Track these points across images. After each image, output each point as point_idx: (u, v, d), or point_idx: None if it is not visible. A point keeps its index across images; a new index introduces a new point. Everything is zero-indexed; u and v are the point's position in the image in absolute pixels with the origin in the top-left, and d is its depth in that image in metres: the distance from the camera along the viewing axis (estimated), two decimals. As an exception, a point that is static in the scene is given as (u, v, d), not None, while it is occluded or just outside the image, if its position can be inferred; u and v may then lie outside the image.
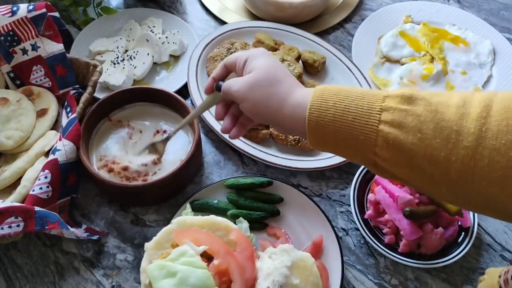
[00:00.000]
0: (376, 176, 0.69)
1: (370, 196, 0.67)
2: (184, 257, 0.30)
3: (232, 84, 0.51)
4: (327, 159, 0.73)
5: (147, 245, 0.32)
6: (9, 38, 0.72)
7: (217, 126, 0.75)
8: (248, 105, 0.49)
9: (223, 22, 0.94)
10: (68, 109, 0.70)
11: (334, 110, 0.43)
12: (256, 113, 0.50)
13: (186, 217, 0.34)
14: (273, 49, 0.85)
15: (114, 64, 0.82)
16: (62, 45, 0.72)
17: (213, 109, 0.78)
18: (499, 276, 0.56)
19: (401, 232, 0.63)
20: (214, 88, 0.54)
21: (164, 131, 0.72)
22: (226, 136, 0.74)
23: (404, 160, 0.40)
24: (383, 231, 0.66)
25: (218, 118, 0.56)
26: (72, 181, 0.66)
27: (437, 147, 0.38)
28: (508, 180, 0.35)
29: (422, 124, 0.39)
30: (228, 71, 0.56)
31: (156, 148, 0.66)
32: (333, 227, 0.65)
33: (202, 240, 0.32)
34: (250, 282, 0.30)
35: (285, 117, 0.47)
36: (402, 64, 0.87)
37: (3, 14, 0.71)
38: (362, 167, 0.71)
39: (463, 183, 0.37)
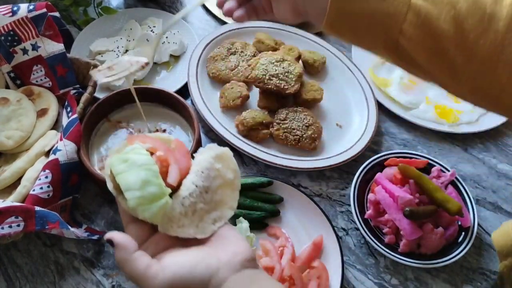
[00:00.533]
0: (376, 176, 0.69)
1: (370, 196, 0.67)
2: (134, 151, 0.38)
3: None
4: (327, 159, 0.73)
5: (111, 151, 0.40)
6: (9, 38, 0.72)
7: (217, 126, 0.75)
8: None
9: (223, 22, 0.94)
10: (69, 109, 0.70)
11: None
12: None
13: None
14: (274, 49, 0.85)
15: (114, 64, 0.82)
16: (62, 45, 0.72)
17: (210, 100, 0.78)
18: None
19: (401, 232, 0.63)
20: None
21: (164, 130, 0.72)
22: (226, 136, 0.74)
23: (430, 41, 0.38)
24: (383, 231, 0.66)
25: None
26: (74, 181, 0.66)
27: (467, 28, 0.37)
28: None
29: (456, 2, 0.37)
30: None
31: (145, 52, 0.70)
32: (333, 227, 0.65)
33: (148, 141, 0.40)
34: (185, 170, 0.39)
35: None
36: (402, 64, 0.87)
37: (3, 14, 0.71)
38: (363, 167, 0.71)
39: (486, 71, 0.37)
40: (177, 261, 0.35)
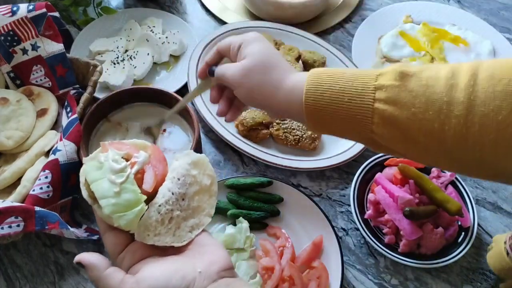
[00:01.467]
0: (376, 176, 0.69)
1: (370, 196, 0.67)
2: (108, 157, 0.37)
3: (226, 69, 0.51)
4: (327, 159, 0.73)
5: (85, 159, 0.39)
6: (9, 38, 0.72)
7: (217, 126, 0.75)
8: (242, 91, 0.50)
9: (223, 22, 0.94)
10: (68, 109, 0.70)
11: (330, 93, 0.44)
12: (250, 99, 0.50)
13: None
14: (273, 49, 0.85)
15: (114, 64, 0.82)
16: (62, 45, 0.72)
17: (209, 98, 0.78)
18: (505, 242, 0.58)
19: (401, 232, 0.63)
20: (208, 73, 0.54)
21: (164, 130, 0.72)
22: (226, 136, 0.74)
23: (400, 135, 0.41)
24: (383, 231, 0.66)
25: (213, 101, 0.57)
26: (74, 181, 0.66)
27: (430, 119, 0.39)
28: (499, 142, 0.37)
29: (414, 99, 0.40)
30: (222, 56, 0.55)
31: (151, 132, 0.68)
32: (333, 227, 0.65)
33: (124, 148, 0.39)
34: (161, 177, 0.38)
35: (280, 102, 0.48)
36: (402, 64, 0.87)
37: (3, 14, 0.71)
38: (363, 167, 0.71)
39: (458, 150, 0.39)
40: (152, 274, 0.34)
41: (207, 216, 0.40)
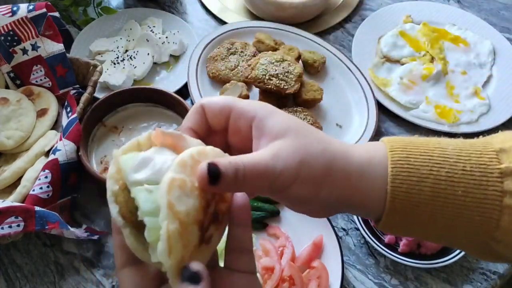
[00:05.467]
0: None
1: (370, 196, 0.67)
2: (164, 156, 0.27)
3: (272, 162, 0.29)
4: (327, 159, 0.73)
5: (115, 152, 0.29)
6: (9, 38, 0.72)
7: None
8: (303, 187, 0.30)
9: (223, 22, 0.94)
10: (68, 109, 0.70)
11: (433, 182, 0.30)
12: (313, 194, 0.31)
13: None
14: (273, 49, 0.85)
15: (114, 64, 0.82)
16: (62, 45, 0.72)
17: None
18: None
19: (401, 232, 0.63)
20: (209, 176, 0.27)
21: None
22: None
23: None
24: (383, 231, 0.66)
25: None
26: (73, 181, 0.66)
27: None
28: None
29: None
30: (207, 123, 0.33)
31: None
32: (333, 227, 0.65)
33: (179, 147, 0.28)
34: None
35: (354, 187, 0.31)
36: (402, 64, 0.87)
37: (3, 14, 0.71)
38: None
39: None
40: None
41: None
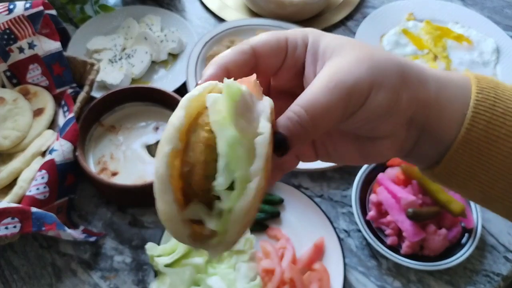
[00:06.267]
0: (379, 177, 0.68)
1: (372, 197, 0.66)
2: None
3: (344, 72, 0.26)
4: (328, 159, 0.72)
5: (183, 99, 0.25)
6: (5, 37, 0.71)
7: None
8: (381, 94, 0.26)
9: (222, 20, 0.92)
10: (65, 108, 0.69)
11: None
12: (395, 103, 0.27)
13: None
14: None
15: (112, 62, 0.81)
16: (59, 43, 0.71)
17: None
18: None
19: (404, 234, 0.62)
20: (277, 145, 0.25)
21: (157, 128, 0.72)
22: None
23: None
24: (386, 232, 0.65)
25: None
26: (70, 181, 0.65)
27: None
28: None
29: None
30: (252, 65, 0.29)
31: (150, 149, 0.67)
32: (334, 228, 0.64)
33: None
34: None
35: (433, 103, 0.28)
36: (405, 63, 0.86)
37: (0, 12, 0.70)
38: (365, 167, 0.70)
39: None
40: None
41: None
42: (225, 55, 0.28)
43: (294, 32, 0.30)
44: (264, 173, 0.23)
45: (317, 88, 0.26)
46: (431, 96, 0.28)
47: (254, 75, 0.27)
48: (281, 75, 0.31)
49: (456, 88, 0.28)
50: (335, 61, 0.27)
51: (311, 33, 0.29)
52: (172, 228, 0.24)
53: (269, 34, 0.30)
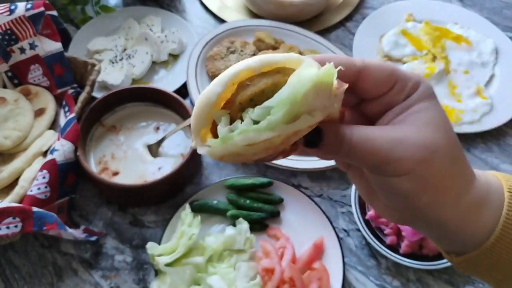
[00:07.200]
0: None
1: (372, 197, 0.66)
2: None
3: (395, 142, 0.27)
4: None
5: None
6: (7, 37, 0.71)
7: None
8: (413, 185, 0.27)
9: (222, 21, 0.93)
10: (66, 109, 0.69)
11: None
12: (420, 193, 0.28)
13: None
14: (274, 48, 0.84)
15: (113, 63, 0.82)
16: (60, 44, 0.71)
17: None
18: None
19: (403, 233, 0.62)
20: (307, 141, 0.28)
21: (157, 128, 0.73)
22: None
23: None
24: (385, 232, 0.65)
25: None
26: (71, 181, 0.65)
27: None
28: None
29: None
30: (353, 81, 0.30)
31: (151, 149, 0.67)
32: (334, 228, 0.64)
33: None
34: None
35: (460, 211, 0.29)
36: (404, 63, 0.86)
37: (1, 13, 0.70)
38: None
39: None
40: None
41: None
42: (339, 56, 0.30)
43: (410, 75, 0.30)
44: (287, 137, 0.24)
45: (382, 138, 0.27)
46: (460, 207, 0.29)
47: (347, 85, 0.27)
48: (377, 103, 0.31)
49: (492, 198, 0.30)
50: (420, 133, 0.27)
51: (423, 84, 0.29)
52: (198, 108, 0.26)
53: (386, 63, 0.30)
